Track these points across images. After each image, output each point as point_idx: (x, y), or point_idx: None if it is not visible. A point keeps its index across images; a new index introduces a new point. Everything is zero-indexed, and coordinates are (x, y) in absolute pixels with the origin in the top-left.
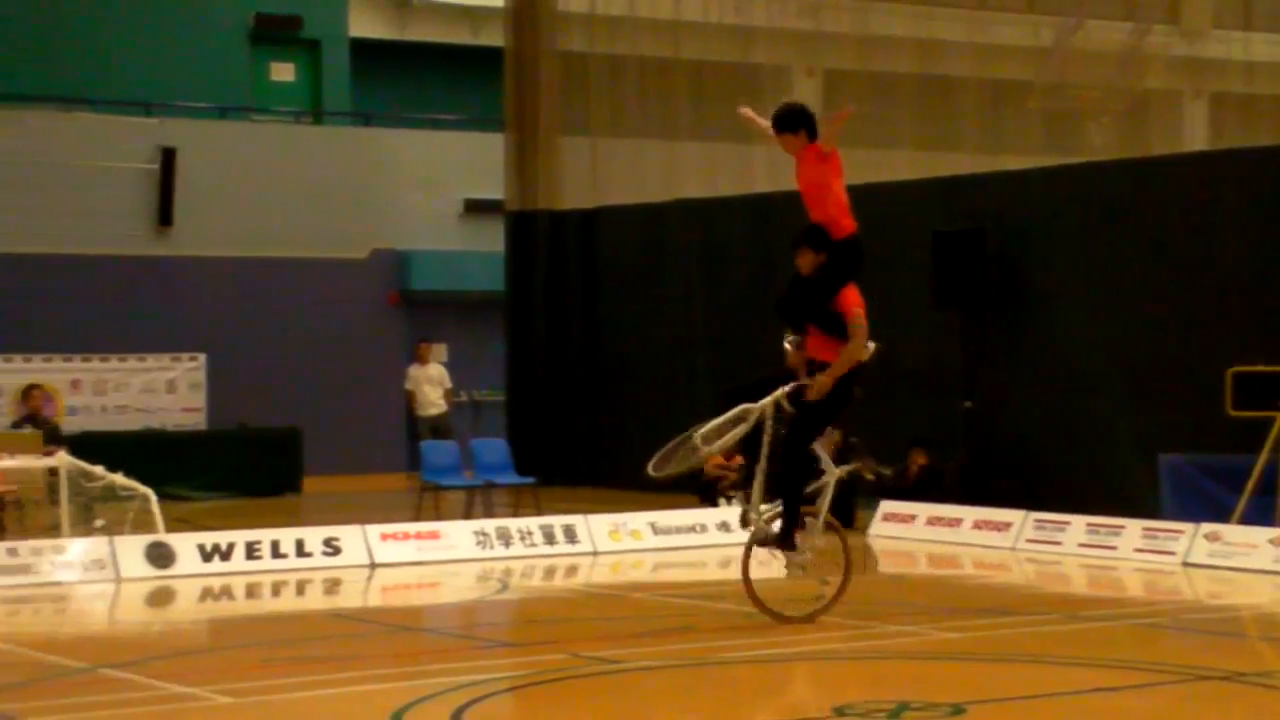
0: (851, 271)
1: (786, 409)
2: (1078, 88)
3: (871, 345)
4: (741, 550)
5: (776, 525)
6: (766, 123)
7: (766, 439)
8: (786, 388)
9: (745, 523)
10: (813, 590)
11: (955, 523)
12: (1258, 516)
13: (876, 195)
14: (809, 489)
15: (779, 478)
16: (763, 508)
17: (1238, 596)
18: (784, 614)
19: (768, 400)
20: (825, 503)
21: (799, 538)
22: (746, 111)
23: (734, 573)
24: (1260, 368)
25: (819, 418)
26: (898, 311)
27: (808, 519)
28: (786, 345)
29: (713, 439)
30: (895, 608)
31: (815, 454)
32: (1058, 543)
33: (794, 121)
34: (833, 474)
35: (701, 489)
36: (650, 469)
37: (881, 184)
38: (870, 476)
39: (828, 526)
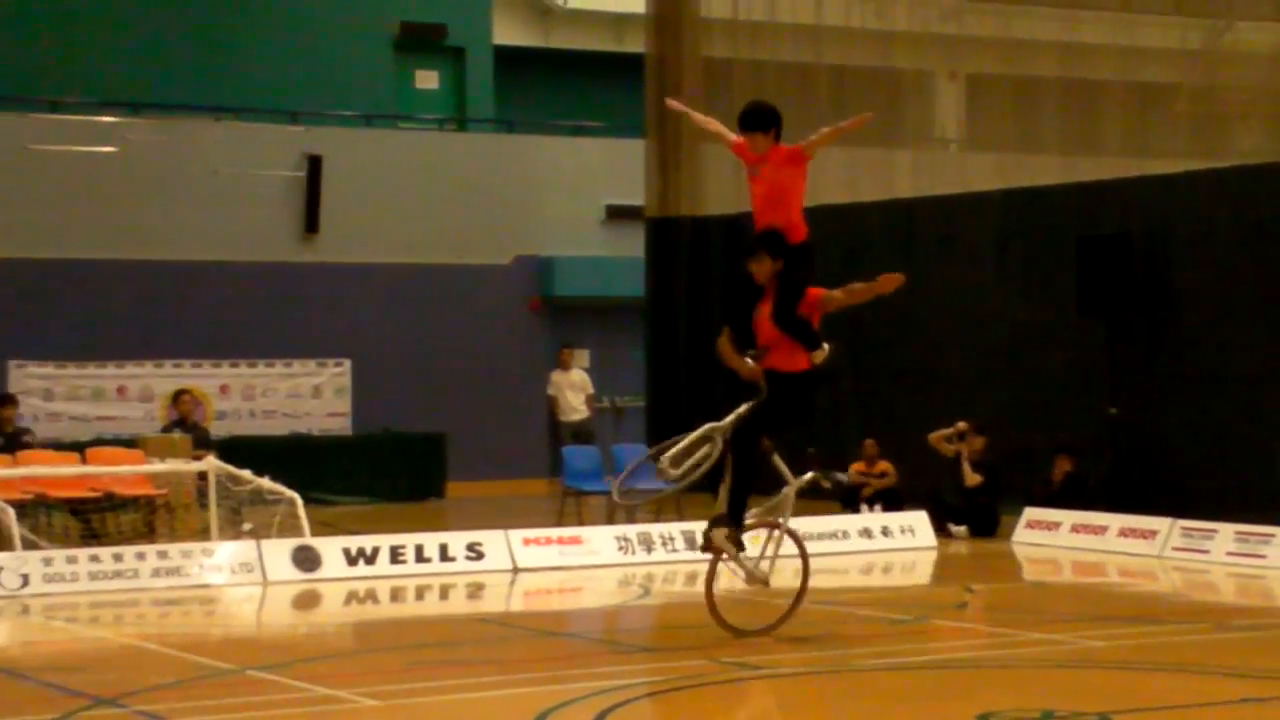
0: (812, 275)
1: None
2: (1226, 90)
3: (826, 347)
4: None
5: (765, 564)
6: (703, 117)
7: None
8: (746, 406)
9: (706, 545)
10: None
11: (1100, 530)
12: None
13: (1021, 200)
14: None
15: (738, 481)
16: (748, 541)
17: None
18: (743, 628)
19: (731, 419)
20: (787, 514)
21: (763, 548)
22: (676, 105)
23: (876, 579)
24: None
25: (778, 419)
26: (1042, 317)
27: (770, 530)
28: (747, 360)
29: (681, 461)
30: (1039, 615)
31: (775, 465)
32: (1205, 551)
33: (767, 121)
34: (792, 486)
35: (844, 496)
36: (615, 494)
37: (1025, 189)
38: (827, 485)
39: (789, 537)
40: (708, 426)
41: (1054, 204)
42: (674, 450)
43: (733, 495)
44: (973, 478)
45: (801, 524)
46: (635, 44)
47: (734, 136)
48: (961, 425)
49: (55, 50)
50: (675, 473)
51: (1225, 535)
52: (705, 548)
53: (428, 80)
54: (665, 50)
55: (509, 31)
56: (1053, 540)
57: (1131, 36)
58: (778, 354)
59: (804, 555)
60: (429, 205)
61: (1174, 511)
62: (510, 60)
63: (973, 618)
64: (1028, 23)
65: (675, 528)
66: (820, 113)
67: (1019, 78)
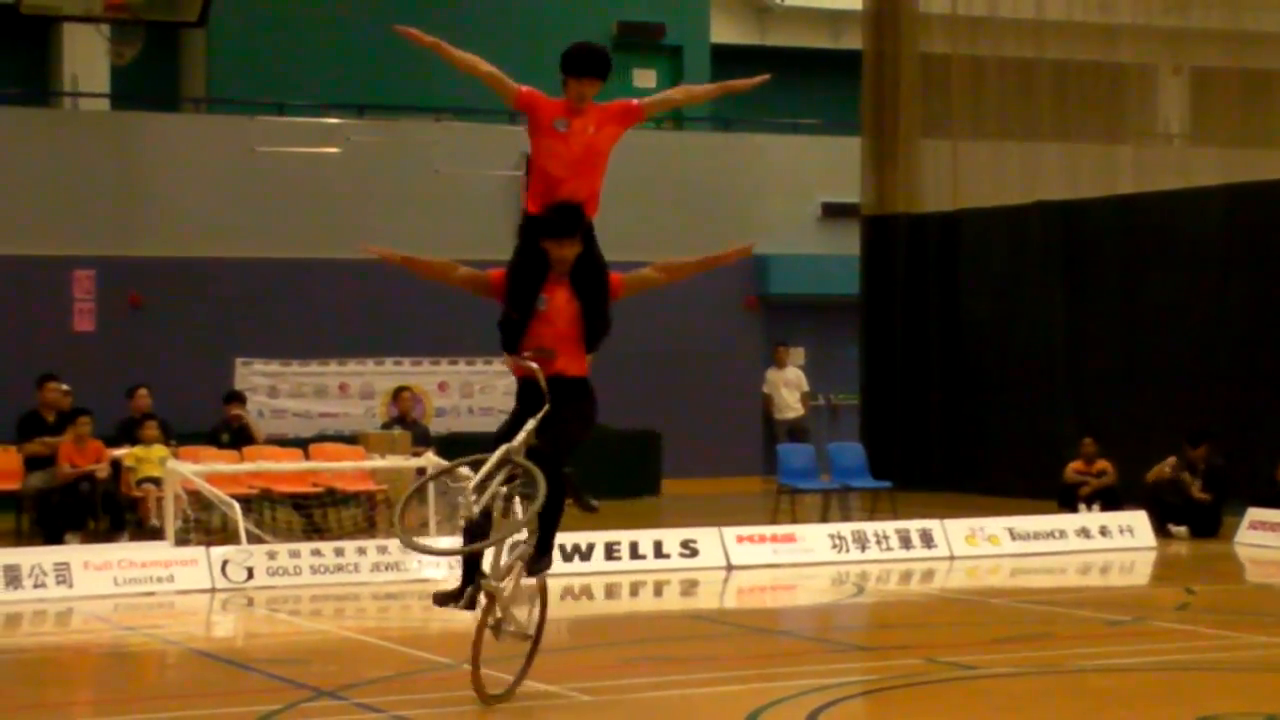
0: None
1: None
2: None
3: None
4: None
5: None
6: (466, 55)
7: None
8: (535, 421)
9: (472, 603)
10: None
11: None
12: None
13: (1246, 195)
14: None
15: (549, 507)
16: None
17: None
18: (493, 694)
19: (522, 436)
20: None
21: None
22: (406, 31)
23: (1094, 579)
24: None
25: (576, 435)
26: (1266, 314)
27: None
28: (530, 364)
29: (484, 489)
30: (1262, 618)
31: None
32: None
33: (606, 67)
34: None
35: (1061, 494)
36: (399, 531)
37: (1251, 183)
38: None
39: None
40: (505, 448)
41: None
42: (476, 479)
43: (542, 529)
44: (1201, 496)
45: (1016, 523)
46: (852, 41)
47: (515, 84)
48: (1171, 461)
49: (281, 54)
50: (475, 504)
51: None
52: (471, 602)
53: (646, 79)
54: (883, 46)
55: (726, 30)
56: (1277, 542)
57: None
58: (566, 356)
59: (544, 603)
60: (646, 203)
61: None
62: (727, 58)
63: (1193, 620)
64: (1256, 14)
65: (889, 526)
66: (1040, 109)
67: (1246, 70)
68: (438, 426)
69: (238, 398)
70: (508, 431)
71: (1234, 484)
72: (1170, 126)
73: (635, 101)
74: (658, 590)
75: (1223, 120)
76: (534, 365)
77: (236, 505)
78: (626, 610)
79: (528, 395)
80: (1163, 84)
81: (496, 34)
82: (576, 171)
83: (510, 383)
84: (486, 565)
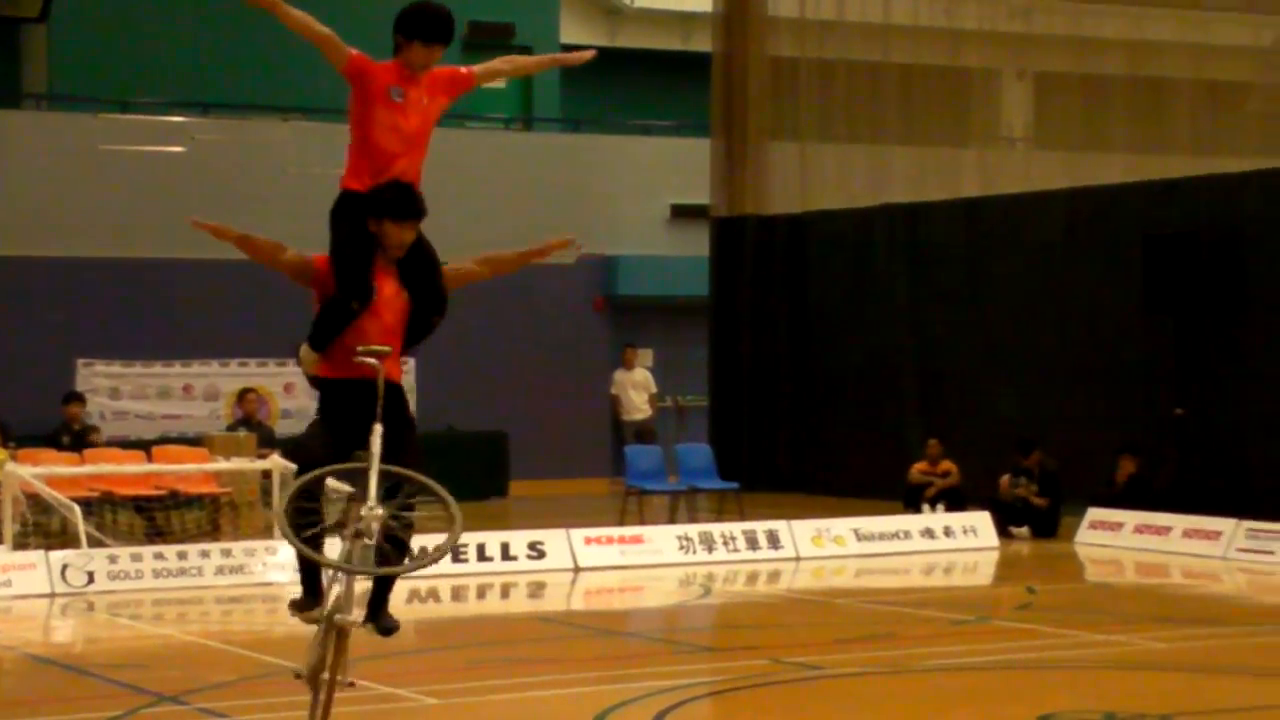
0: None
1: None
2: None
3: None
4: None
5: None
6: (299, 15)
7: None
8: (381, 433)
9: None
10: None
11: (1164, 531)
12: None
13: (1087, 199)
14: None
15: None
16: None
17: None
18: None
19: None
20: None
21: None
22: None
23: (938, 579)
24: None
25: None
26: (1108, 316)
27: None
28: (371, 361)
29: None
30: (1102, 616)
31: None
32: (1271, 552)
33: (453, 32)
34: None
35: (906, 495)
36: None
37: (1092, 187)
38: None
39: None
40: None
41: (1121, 202)
42: (372, 494)
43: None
44: (1038, 501)
45: (862, 524)
46: (702, 43)
47: (348, 48)
48: (1007, 479)
49: (124, 51)
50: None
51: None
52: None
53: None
54: (732, 49)
55: (576, 31)
56: (1116, 541)
57: (1202, 34)
58: (395, 358)
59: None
60: (495, 203)
61: (1239, 513)
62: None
63: (1034, 618)
64: (1096, 21)
65: (737, 527)
66: (887, 112)
67: (1087, 76)
68: (283, 428)
69: (77, 398)
70: (336, 443)
71: (1077, 482)
72: (1014, 131)
73: (464, 69)
74: (504, 592)
75: (1064, 124)
76: (376, 364)
77: (77, 508)
78: (474, 613)
79: (348, 400)
80: (1006, 89)
81: (346, 33)
82: (410, 146)
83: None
84: (333, 592)
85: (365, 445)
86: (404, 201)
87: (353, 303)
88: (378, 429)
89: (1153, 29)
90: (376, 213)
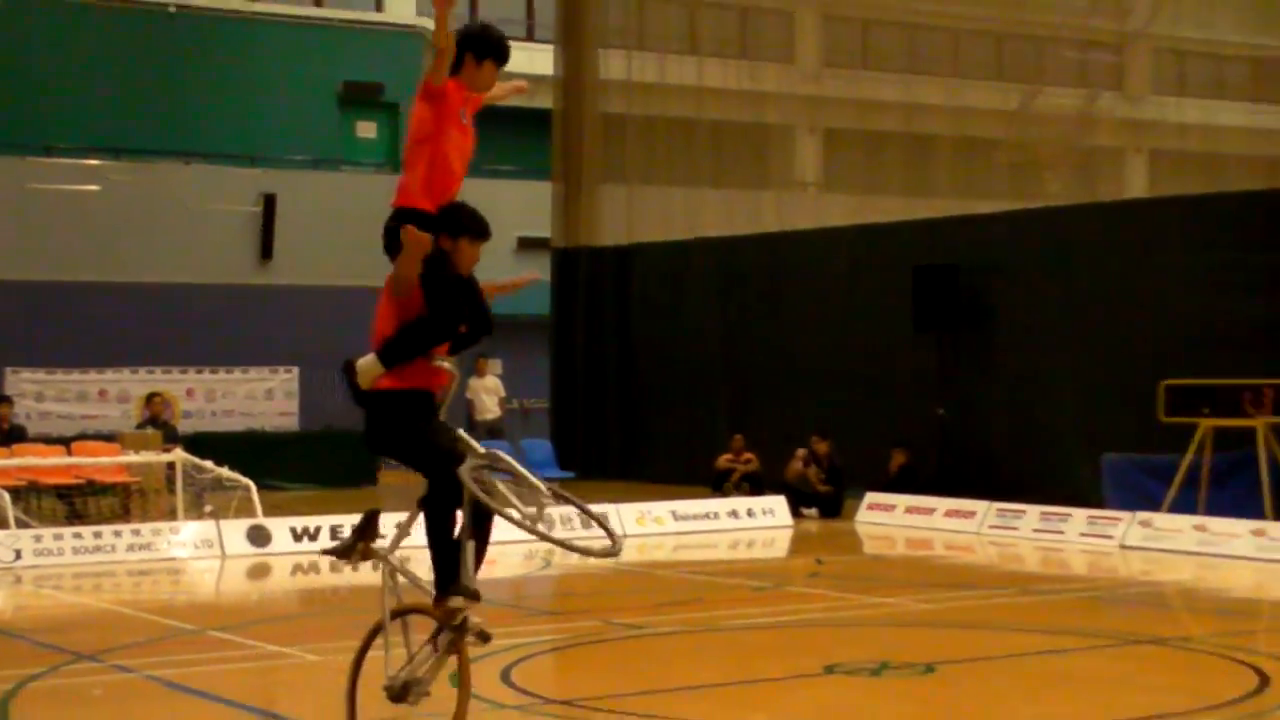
0: None
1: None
2: (1038, 143)
3: None
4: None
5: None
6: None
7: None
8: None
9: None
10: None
11: (929, 511)
12: (1184, 506)
13: (868, 235)
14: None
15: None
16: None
17: (1165, 574)
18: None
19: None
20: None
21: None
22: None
23: (741, 553)
24: (1187, 381)
25: None
26: (883, 334)
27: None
28: (448, 367)
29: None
30: (876, 583)
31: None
32: (1015, 528)
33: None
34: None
35: (714, 481)
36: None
37: (871, 225)
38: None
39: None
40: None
41: (894, 238)
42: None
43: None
44: (822, 489)
45: (678, 507)
46: (544, 101)
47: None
48: (801, 453)
49: (49, 102)
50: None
51: (1032, 515)
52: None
53: (367, 130)
54: (569, 107)
55: None
56: (889, 520)
57: (961, 98)
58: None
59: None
60: (367, 236)
61: (991, 495)
62: None
63: (822, 585)
64: (875, 86)
65: (573, 510)
66: (700, 160)
67: (867, 132)
68: (185, 427)
69: (6, 400)
70: (456, 441)
71: (858, 472)
72: (806, 176)
73: (476, 96)
74: (377, 565)
75: (848, 172)
76: (454, 371)
77: (6, 495)
78: (350, 582)
79: (422, 407)
80: (800, 141)
81: (240, 89)
82: (465, 168)
83: (247, 389)
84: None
85: None
86: (481, 222)
87: (462, 326)
88: (462, 435)
89: (921, 93)
90: (455, 231)
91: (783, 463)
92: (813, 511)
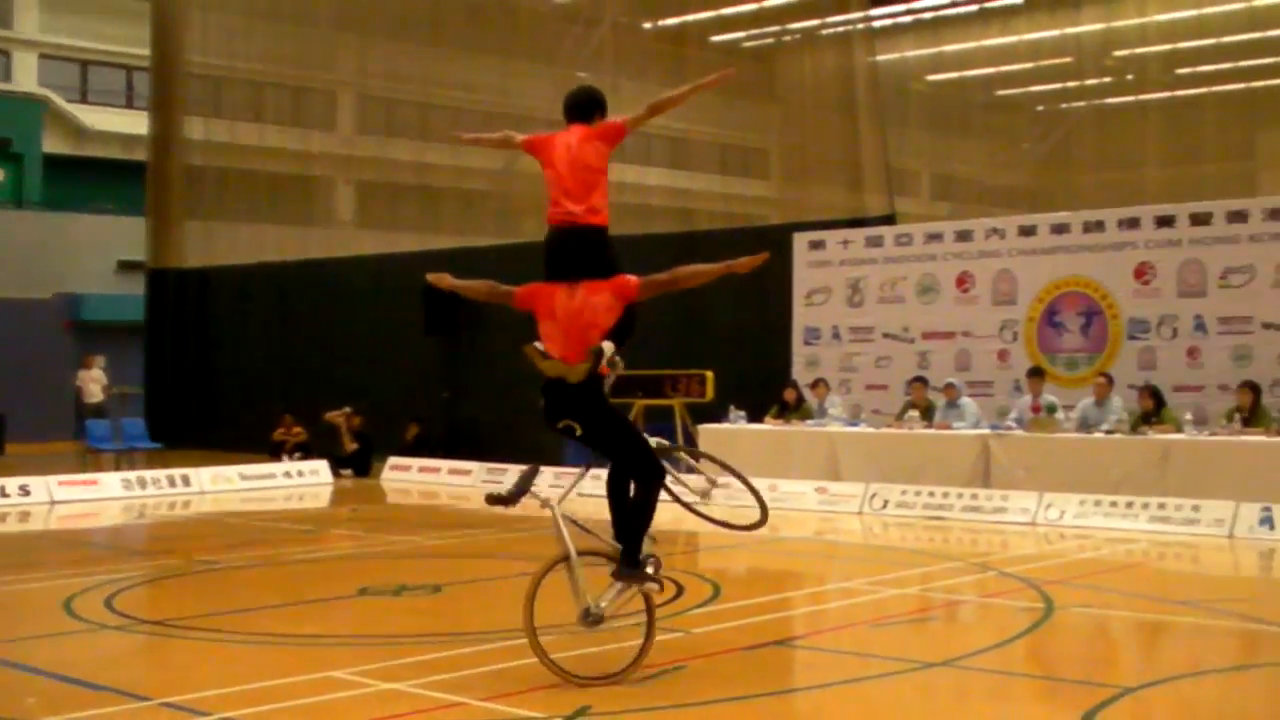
0: None
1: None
2: (518, 195)
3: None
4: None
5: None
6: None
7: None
8: None
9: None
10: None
11: (436, 470)
12: None
13: (389, 262)
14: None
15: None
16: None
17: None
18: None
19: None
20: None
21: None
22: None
23: (294, 504)
24: (625, 371)
25: None
26: (401, 336)
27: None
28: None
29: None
30: (397, 525)
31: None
32: (501, 481)
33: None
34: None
35: (271, 449)
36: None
37: (392, 254)
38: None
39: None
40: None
41: (410, 264)
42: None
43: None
44: (350, 445)
45: (245, 469)
46: (141, 155)
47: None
48: (347, 409)
49: None
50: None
51: (513, 472)
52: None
53: None
54: (159, 159)
55: (54, 143)
56: (407, 477)
57: (461, 160)
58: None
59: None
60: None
61: (482, 457)
62: (56, 164)
63: (355, 528)
64: (396, 149)
65: (162, 473)
66: (260, 202)
67: (390, 183)
68: None
69: None
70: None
71: (383, 440)
72: (344, 217)
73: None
74: (1, 519)
75: (375, 214)
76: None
77: None
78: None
79: None
80: (339, 189)
81: None
82: None
83: None
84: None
85: None
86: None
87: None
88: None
89: (431, 156)
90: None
91: (326, 434)
92: (348, 472)
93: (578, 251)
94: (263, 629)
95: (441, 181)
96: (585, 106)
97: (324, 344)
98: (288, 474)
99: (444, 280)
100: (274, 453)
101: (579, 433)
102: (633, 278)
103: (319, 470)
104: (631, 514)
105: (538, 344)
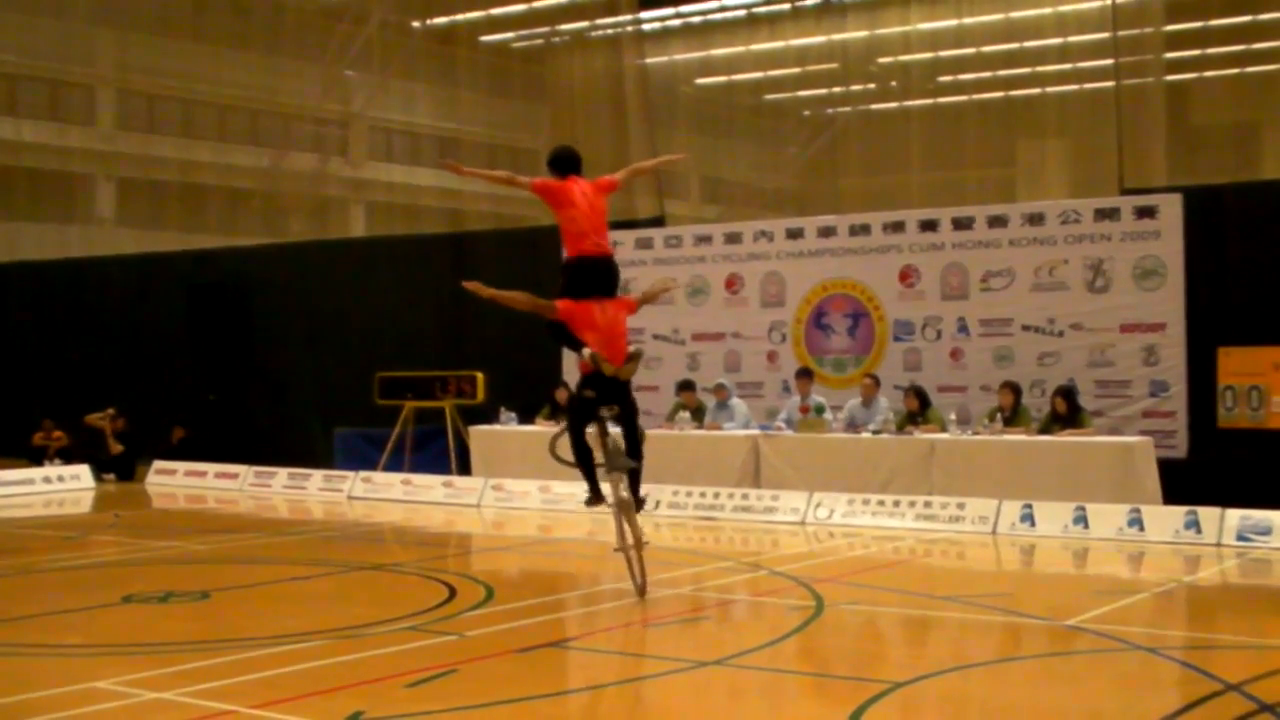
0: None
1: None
2: (285, 194)
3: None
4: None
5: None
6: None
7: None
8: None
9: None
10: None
11: (203, 474)
12: (394, 466)
13: (151, 261)
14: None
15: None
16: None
17: (381, 517)
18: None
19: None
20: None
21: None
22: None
23: (54, 511)
24: (395, 373)
25: None
26: (166, 337)
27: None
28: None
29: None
30: (163, 530)
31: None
32: (269, 485)
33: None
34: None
35: (30, 454)
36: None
37: (155, 254)
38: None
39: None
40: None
41: (174, 263)
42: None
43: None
44: (116, 447)
45: (4, 475)
46: None
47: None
48: (111, 410)
49: None
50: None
51: (282, 475)
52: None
53: None
54: None
55: None
56: (173, 481)
57: (226, 157)
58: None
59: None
60: None
61: (250, 461)
62: None
63: (119, 534)
64: (159, 145)
65: None
66: (20, 198)
67: (153, 180)
68: None
69: None
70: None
71: (148, 444)
72: (105, 214)
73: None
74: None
75: (138, 212)
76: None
77: None
78: None
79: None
80: (100, 187)
81: None
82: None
83: None
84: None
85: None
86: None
87: None
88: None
89: (195, 152)
90: None
91: (88, 438)
92: (111, 476)
93: (611, 276)
94: (21, 639)
95: (206, 178)
96: (578, 163)
97: (85, 345)
98: (48, 479)
99: (482, 290)
100: (34, 459)
101: (615, 412)
102: (632, 297)
103: (81, 475)
104: (637, 450)
105: (596, 352)
